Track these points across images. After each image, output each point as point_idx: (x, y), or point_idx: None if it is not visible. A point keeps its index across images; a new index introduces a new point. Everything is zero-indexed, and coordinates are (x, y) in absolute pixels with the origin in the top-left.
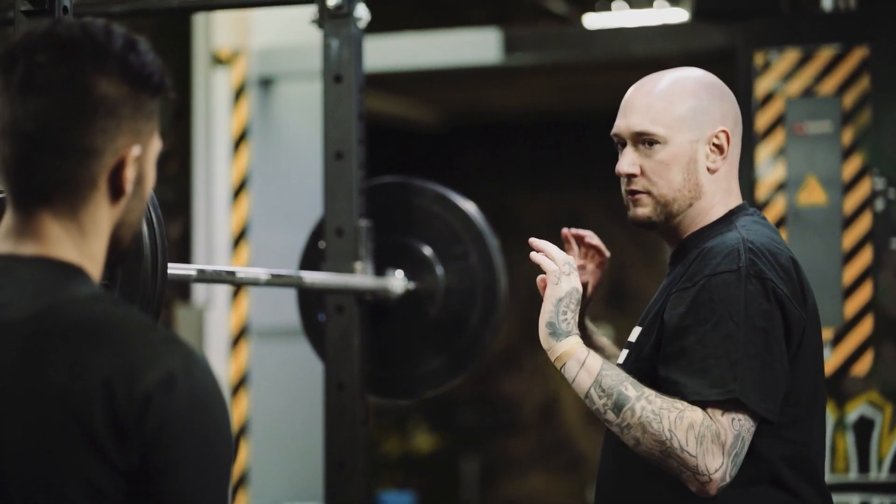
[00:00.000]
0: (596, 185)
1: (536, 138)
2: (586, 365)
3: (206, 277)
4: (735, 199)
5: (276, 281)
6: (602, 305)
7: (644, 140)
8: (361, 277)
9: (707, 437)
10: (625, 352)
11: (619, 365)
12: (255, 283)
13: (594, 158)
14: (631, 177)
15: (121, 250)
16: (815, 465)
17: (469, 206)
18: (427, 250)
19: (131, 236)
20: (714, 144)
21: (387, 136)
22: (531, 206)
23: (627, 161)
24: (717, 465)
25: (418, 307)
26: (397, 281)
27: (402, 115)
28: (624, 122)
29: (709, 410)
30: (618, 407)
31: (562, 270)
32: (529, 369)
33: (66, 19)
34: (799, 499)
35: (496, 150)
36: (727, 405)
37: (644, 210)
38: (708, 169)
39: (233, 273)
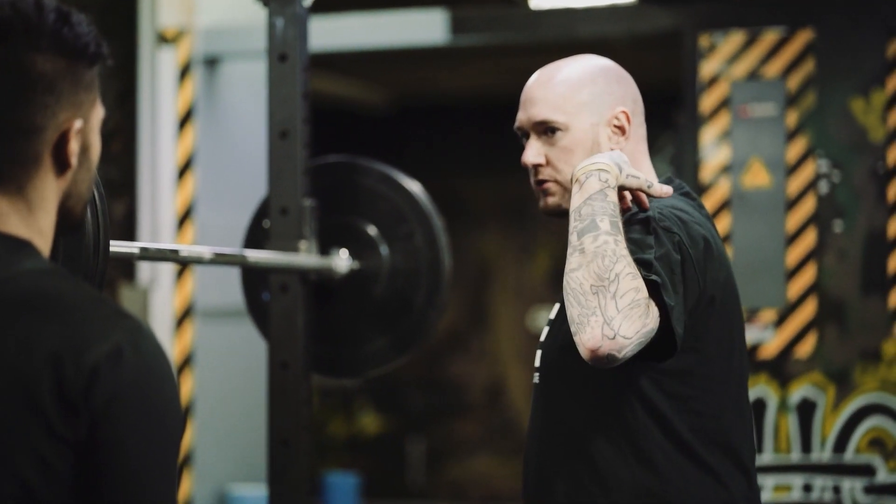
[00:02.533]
0: None
1: (485, 121)
2: (585, 186)
3: (149, 255)
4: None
5: (220, 259)
6: (547, 288)
7: (546, 129)
8: (306, 256)
9: (642, 307)
10: (546, 328)
11: (541, 343)
12: (198, 261)
13: None
14: (537, 167)
15: (72, 221)
16: (729, 438)
17: (414, 186)
18: (372, 230)
19: (81, 207)
20: (615, 126)
21: (335, 118)
22: (479, 189)
23: (532, 152)
24: (628, 333)
25: (363, 287)
26: (342, 260)
27: (351, 97)
28: (524, 115)
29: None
30: (583, 231)
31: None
32: (476, 352)
33: None
34: (713, 473)
35: (445, 133)
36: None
37: (553, 199)
38: (611, 150)
39: (176, 251)
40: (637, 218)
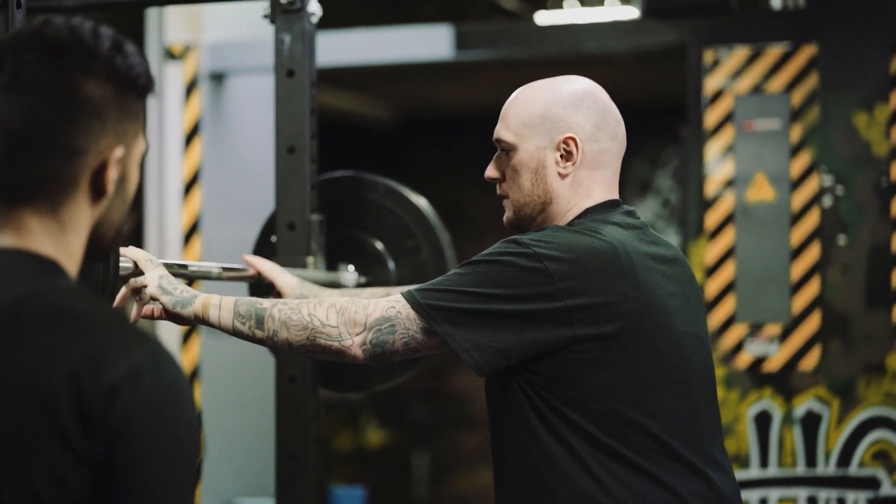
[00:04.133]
0: None
1: (489, 135)
2: (222, 305)
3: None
4: (594, 201)
5: (228, 275)
6: None
7: (502, 146)
8: (313, 271)
9: (350, 310)
10: None
11: None
12: (206, 276)
13: None
14: (494, 181)
15: (102, 247)
16: (671, 442)
17: (420, 201)
18: (378, 245)
19: (112, 235)
20: (564, 151)
21: (339, 132)
22: (483, 202)
23: (490, 166)
24: (357, 331)
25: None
26: (349, 275)
27: (355, 111)
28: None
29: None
30: (259, 321)
31: (146, 262)
32: None
33: (56, 19)
34: (653, 477)
35: (448, 146)
36: (403, 300)
37: (507, 214)
38: (559, 174)
39: (185, 266)
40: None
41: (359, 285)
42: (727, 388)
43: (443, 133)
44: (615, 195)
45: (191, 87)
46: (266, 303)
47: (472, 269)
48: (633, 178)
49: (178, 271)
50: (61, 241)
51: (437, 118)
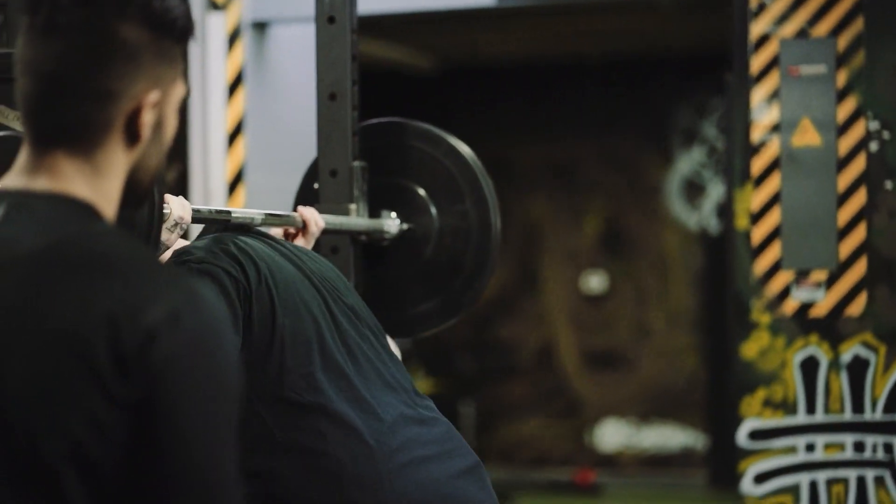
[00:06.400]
0: (591, 131)
1: (532, 84)
2: None
3: (201, 217)
4: None
5: (271, 221)
6: (597, 251)
7: None
8: (356, 218)
9: None
10: None
11: None
12: (250, 223)
13: (590, 104)
14: None
15: (138, 193)
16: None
17: (463, 147)
18: (421, 191)
19: (149, 180)
20: None
21: (382, 82)
22: (526, 153)
23: None
24: None
25: (413, 249)
26: (391, 222)
27: (398, 61)
28: None
29: None
30: None
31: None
32: (527, 314)
33: None
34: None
35: (491, 96)
36: None
37: None
38: None
39: (228, 213)
40: None
41: (401, 231)
42: (773, 334)
43: (486, 83)
44: None
45: (234, 37)
46: None
47: None
48: (679, 127)
49: (221, 217)
50: (97, 185)
51: (480, 67)
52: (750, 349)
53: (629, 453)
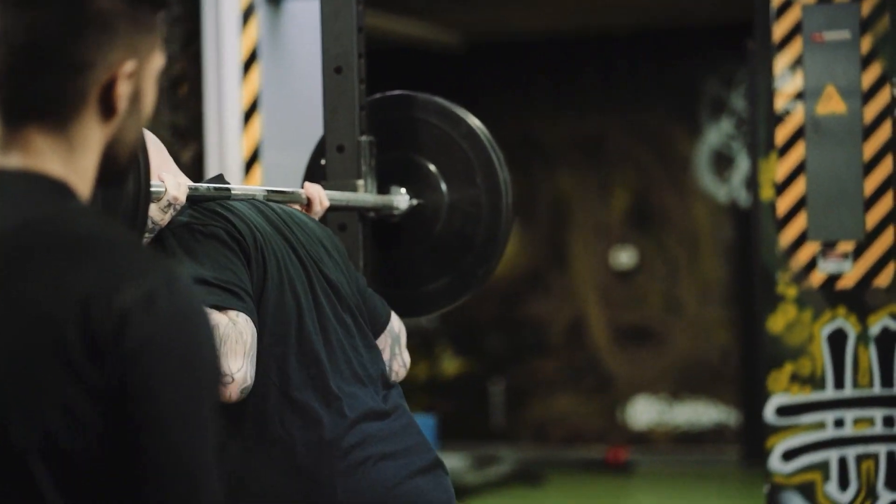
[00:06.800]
0: (618, 106)
1: (558, 59)
2: None
3: (199, 195)
4: None
5: (274, 198)
6: (626, 226)
7: None
8: (364, 195)
9: (231, 337)
10: None
11: None
12: (252, 199)
13: (617, 79)
14: None
15: (116, 168)
16: (289, 391)
17: (473, 120)
18: (433, 169)
19: (128, 154)
20: None
21: (408, 59)
22: (553, 129)
23: None
24: (238, 366)
25: (423, 225)
26: (401, 197)
27: (424, 38)
28: None
29: (230, 313)
30: None
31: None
32: (556, 290)
33: None
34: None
35: (518, 72)
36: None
37: None
38: None
39: (227, 189)
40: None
41: (411, 207)
42: (800, 307)
43: (511, 58)
44: None
45: (248, 13)
46: None
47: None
48: (707, 99)
49: (220, 194)
50: (71, 161)
51: (505, 42)
52: (776, 323)
53: (661, 430)
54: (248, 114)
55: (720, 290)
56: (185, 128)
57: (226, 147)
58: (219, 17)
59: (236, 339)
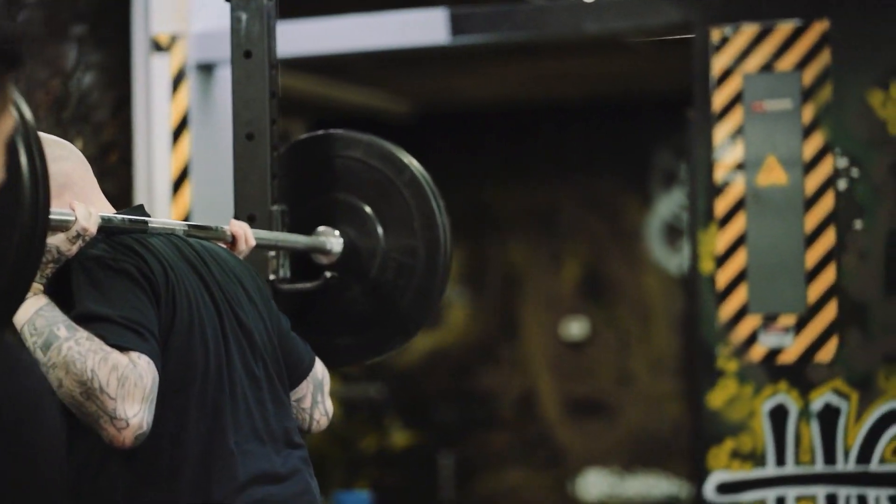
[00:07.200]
0: (572, 176)
1: (510, 128)
2: (28, 303)
3: (112, 227)
4: None
5: (196, 233)
6: (578, 296)
7: None
8: (294, 235)
9: (129, 375)
10: None
11: None
12: (169, 235)
13: (570, 148)
14: None
15: None
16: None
17: (410, 160)
18: (367, 209)
19: None
20: None
21: (358, 127)
22: (506, 198)
23: None
24: (135, 411)
25: (351, 273)
26: (335, 240)
27: (374, 106)
28: None
29: (131, 354)
30: (46, 346)
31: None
32: (507, 362)
33: None
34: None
35: (469, 141)
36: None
37: None
38: None
39: (144, 223)
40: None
41: (345, 250)
42: (741, 382)
43: (463, 127)
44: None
45: (178, 79)
46: (63, 330)
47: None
48: (658, 170)
49: (136, 227)
50: None
51: (457, 112)
52: (716, 398)
53: (613, 503)
54: (178, 182)
55: (672, 362)
56: (114, 196)
57: (155, 216)
58: (149, 82)
59: (135, 383)
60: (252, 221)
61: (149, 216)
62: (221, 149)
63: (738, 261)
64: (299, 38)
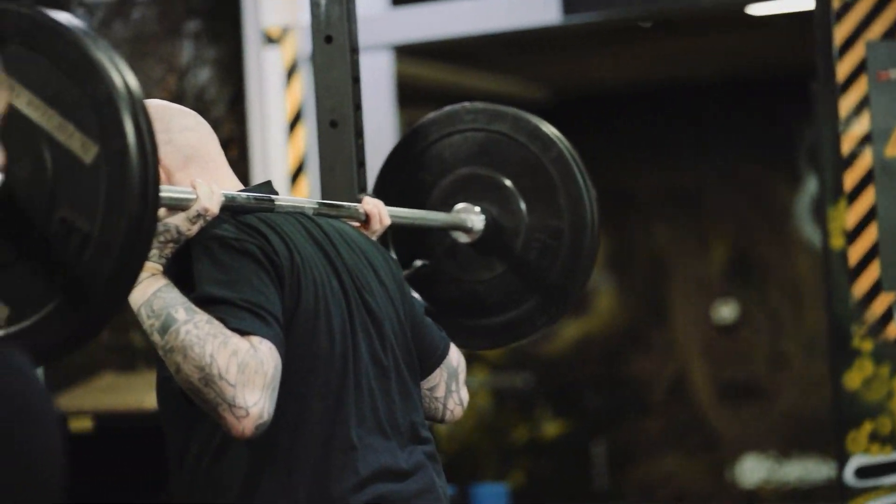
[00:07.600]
0: (714, 155)
1: (648, 110)
2: (144, 283)
3: (237, 206)
4: None
5: (326, 212)
6: (727, 279)
7: None
8: (433, 213)
9: (249, 362)
10: None
11: None
12: (296, 214)
13: (710, 127)
14: None
15: None
16: (300, 458)
17: (552, 131)
18: (508, 182)
19: None
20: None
21: None
22: (648, 181)
23: None
24: (255, 399)
25: (492, 252)
26: (476, 217)
27: (509, 93)
28: None
29: (253, 339)
30: (164, 329)
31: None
32: (656, 348)
33: None
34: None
35: (607, 124)
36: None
37: None
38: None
39: (270, 200)
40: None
41: (486, 227)
42: (877, 362)
43: (601, 110)
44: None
45: (291, 71)
46: (182, 313)
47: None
48: (805, 147)
49: (262, 206)
50: None
51: (594, 96)
52: (853, 379)
53: (771, 488)
54: (295, 175)
55: (826, 342)
56: None
57: None
58: (262, 76)
59: (256, 369)
60: None
61: (276, 193)
62: None
63: (870, 236)
64: (409, 24)
